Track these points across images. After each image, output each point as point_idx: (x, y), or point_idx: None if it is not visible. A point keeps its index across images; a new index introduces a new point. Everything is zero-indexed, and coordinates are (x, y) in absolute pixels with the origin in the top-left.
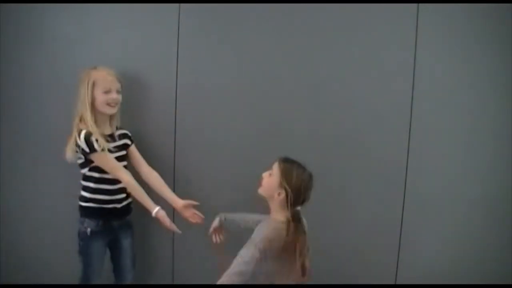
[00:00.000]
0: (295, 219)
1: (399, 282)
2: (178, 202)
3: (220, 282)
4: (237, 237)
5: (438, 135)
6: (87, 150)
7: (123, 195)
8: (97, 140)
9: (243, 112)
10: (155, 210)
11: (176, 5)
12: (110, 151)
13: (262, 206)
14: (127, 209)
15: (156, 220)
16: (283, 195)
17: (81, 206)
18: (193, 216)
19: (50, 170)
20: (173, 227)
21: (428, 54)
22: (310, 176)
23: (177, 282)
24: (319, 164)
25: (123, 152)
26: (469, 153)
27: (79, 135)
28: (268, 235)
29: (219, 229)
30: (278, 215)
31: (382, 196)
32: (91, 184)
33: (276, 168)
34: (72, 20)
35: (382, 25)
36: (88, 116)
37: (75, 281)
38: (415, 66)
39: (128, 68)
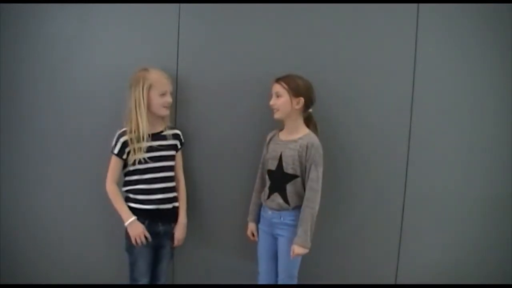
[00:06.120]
0: (313, 119)
1: (399, 282)
2: (180, 221)
3: (313, 200)
4: None
5: (438, 134)
6: (111, 147)
7: (163, 196)
8: (126, 146)
9: (243, 111)
10: (130, 220)
11: (176, 5)
12: (144, 161)
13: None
14: (171, 213)
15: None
16: (302, 101)
17: (128, 206)
18: (177, 242)
19: (50, 170)
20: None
21: (428, 54)
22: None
23: (177, 282)
24: None
25: (172, 152)
26: (469, 152)
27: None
28: (320, 151)
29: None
30: (302, 128)
31: (382, 195)
32: (131, 186)
33: (279, 87)
34: (72, 20)
35: (382, 25)
36: (143, 117)
37: (76, 281)
38: (415, 66)
39: (128, 68)
